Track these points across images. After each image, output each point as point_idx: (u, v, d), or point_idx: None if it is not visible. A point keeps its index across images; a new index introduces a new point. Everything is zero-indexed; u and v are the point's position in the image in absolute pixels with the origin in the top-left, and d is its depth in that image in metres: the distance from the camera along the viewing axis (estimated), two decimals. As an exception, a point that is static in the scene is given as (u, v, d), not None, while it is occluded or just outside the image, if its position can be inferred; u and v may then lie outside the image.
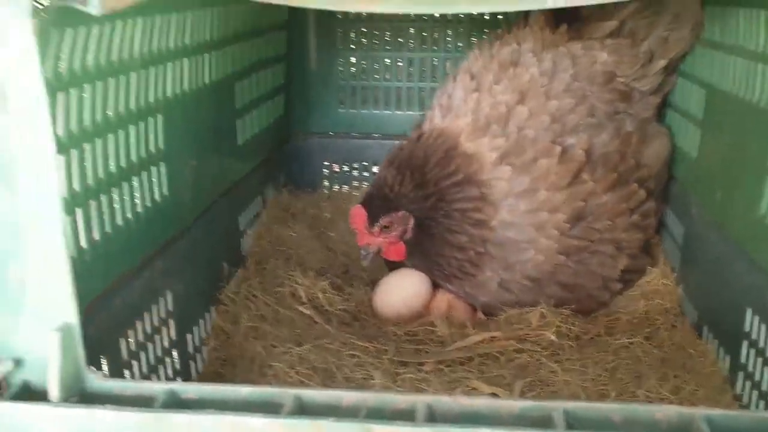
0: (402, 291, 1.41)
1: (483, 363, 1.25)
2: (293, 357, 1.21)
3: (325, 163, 1.95)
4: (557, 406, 0.65)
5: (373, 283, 1.52)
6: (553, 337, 1.29)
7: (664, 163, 1.51)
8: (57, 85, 0.82)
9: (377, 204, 1.37)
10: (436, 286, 1.44)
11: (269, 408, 0.66)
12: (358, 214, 1.38)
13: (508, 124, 1.37)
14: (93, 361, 0.72)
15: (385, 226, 1.37)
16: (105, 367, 0.93)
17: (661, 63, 1.49)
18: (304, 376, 1.17)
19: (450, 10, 1.12)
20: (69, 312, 0.68)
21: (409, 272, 1.43)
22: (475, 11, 1.33)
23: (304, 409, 0.67)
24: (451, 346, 1.30)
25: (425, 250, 1.38)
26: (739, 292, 1.13)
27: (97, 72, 0.90)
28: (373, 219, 1.37)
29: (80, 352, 0.69)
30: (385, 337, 1.34)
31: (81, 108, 0.88)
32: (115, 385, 0.68)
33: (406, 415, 0.66)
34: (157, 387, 0.67)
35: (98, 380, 0.69)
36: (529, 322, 1.33)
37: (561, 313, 1.35)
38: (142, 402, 0.66)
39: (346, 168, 1.96)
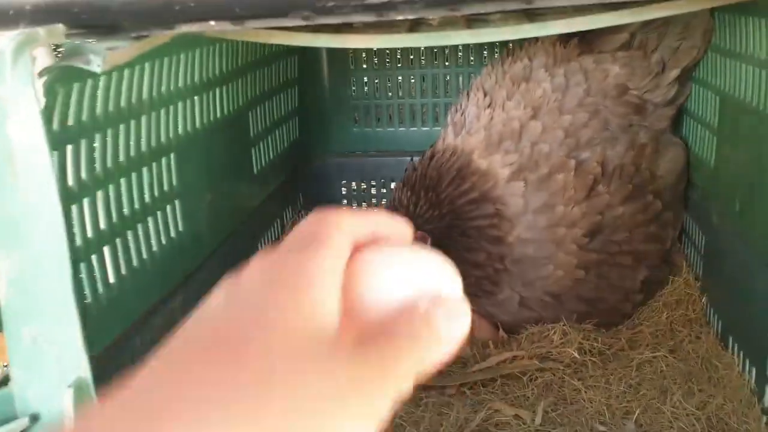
0: None
1: (505, 383, 1.25)
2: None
3: (343, 182, 1.96)
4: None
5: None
6: (575, 354, 1.28)
7: (680, 174, 1.49)
8: (66, 138, 0.84)
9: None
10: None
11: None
12: None
13: (521, 139, 1.37)
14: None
15: None
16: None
17: (674, 73, 1.47)
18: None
19: (449, 42, 1.12)
20: (82, 365, 0.70)
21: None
22: (474, 41, 1.33)
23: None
24: (472, 367, 1.29)
25: None
26: (763, 302, 1.11)
27: (106, 120, 0.92)
28: None
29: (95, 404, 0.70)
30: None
31: (91, 157, 0.90)
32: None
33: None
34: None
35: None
36: (551, 340, 1.33)
37: (583, 329, 1.34)
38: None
39: (363, 186, 1.96)
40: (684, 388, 1.17)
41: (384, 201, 1.95)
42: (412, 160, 1.50)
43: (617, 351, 1.32)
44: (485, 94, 1.46)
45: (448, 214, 1.34)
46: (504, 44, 1.66)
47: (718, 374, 1.21)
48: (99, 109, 0.91)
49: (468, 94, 1.51)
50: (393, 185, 1.89)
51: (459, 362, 1.33)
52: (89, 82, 0.87)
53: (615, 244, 1.35)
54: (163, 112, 1.08)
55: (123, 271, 0.97)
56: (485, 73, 1.53)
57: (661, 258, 1.43)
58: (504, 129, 1.38)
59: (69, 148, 0.85)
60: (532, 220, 1.33)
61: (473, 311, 1.37)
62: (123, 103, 0.96)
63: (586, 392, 1.20)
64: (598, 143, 1.38)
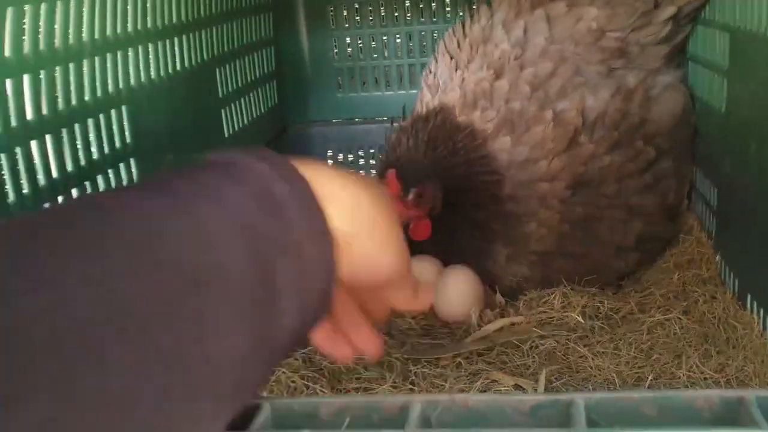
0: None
1: (503, 352, 1.14)
2: (297, 359, 1.11)
3: (328, 152, 1.84)
4: (576, 399, 0.54)
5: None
6: (579, 319, 1.17)
7: (679, 119, 1.39)
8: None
9: (409, 169, 1.24)
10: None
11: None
12: (393, 180, 1.23)
13: (493, 99, 1.31)
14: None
15: (418, 196, 1.24)
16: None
17: (670, 11, 1.37)
18: (309, 380, 1.07)
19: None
20: None
21: (423, 259, 1.31)
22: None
23: (280, 423, 0.57)
24: (468, 337, 1.19)
25: (448, 228, 1.28)
26: (784, 254, 1.00)
27: (39, 59, 0.81)
28: (406, 187, 1.22)
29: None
30: (399, 333, 1.23)
31: (20, 102, 0.79)
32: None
33: (397, 422, 0.55)
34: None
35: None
36: (551, 305, 1.22)
37: (587, 292, 1.24)
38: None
39: (351, 156, 1.85)
40: (700, 351, 1.06)
41: (373, 173, 1.84)
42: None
43: (626, 315, 1.20)
44: (451, 58, 1.41)
45: (463, 164, 1.26)
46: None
47: (736, 335, 1.10)
48: (27, 46, 0.79)
49: (436, 58, 1.46)
50: (381, 155, 1.79)
51: (453, 333, 1.23)
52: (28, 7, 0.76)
53: (603, 197, 1.27)
54: (110, 57, 0.96)
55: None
56: (447, 36, 1.47)
57: (661, 213, 1.33)
58: (476, 89, 1.32)
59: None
60: (515, 175, 1.26)
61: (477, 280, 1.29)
62: (58, 41, 0.85)
63: (593, 359, 1.08)
64: (574, 90, 1.30)
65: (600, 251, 1.29)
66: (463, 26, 1.44)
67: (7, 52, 0.76)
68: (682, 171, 1.39)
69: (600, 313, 1.20)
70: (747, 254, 1.17)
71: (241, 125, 1.47)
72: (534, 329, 1.16)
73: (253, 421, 0.55)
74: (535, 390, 1.05)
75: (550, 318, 1.20)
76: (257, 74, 1.60)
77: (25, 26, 0.79)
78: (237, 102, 1.46)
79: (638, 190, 1.30)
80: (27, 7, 0.79)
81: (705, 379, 1.02)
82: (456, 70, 1.38)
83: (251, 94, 1.55)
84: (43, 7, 0.81)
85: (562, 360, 1.11)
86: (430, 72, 1.44)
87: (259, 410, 0.56)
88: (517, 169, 1.27)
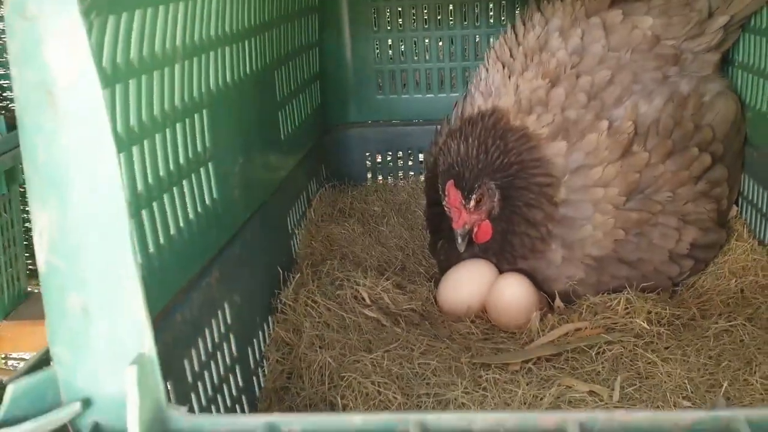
0: (474, 283, 1.30)
1: (572, 358, 1.15)
2: (366, 365, 1.11)
3: (367, 153, 1.84)
4: (737, 416, 0.54)
5: (433, 279, 1.42)
6: (644, 325, 1.18)
7: (733, 125, 1.40)
8: (103, 81, 0.72)
9: (466, 177, 1.27)
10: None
11: (389, 439, 0.56)
12: (453, 191, 1.27)
13: (548, 106, 1.32)
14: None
15: (478, 201, 1.27)
16: (171, 395, 0.83)
17: (722, 20, 1.39)
18: (381, 386, 1.07)
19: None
20: (144, 341, 0.58)
21: (478, 262, 1.32)
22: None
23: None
24: (534, 342, 1.19)
25: (502, 228, 1.30)
26: None
27: (141, 66, 0.80)
28: (466, 194, 1.27)
29: (160, 386, 0.59)
30: (459, 337, 1.24)
31: (127, 106, 0.78)
32: (205, 422, 0.58)
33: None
34: (254, 421, 0.57)
35: (184, 418, 0.58)
36: (615, 310, 1.23)
37: (648, 297, 1.25)
38: (241, 441, 0.55)
39: (389, 157, 1.85)
40: (771, 358, 1.07)
41: (411, 174, 1.84)
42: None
43: (688, 321, 1.22)
44: (504, 66, 1.41)
45: (515, 164, 1.28)
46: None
47: (804, 342, 1.11)
48: (134, 52, 0.78)
49: (486, 66, 1.46)
50: (421, 156, 1.79)
51: (514, 338, 1.24)
52: (123, 16, 0.75)
53: (657, 203, 1.28)
54: (195, 62, 0.96)
55: (161, 239, 0.86)
56: (499, 45, 1.46)
57: (714, 219, 1.34)
58: (532, 96, 1.33)
59: (106, 93, 0.73)
60: (571, 180, 1.28)
61: (521, 271, 1.30)
62: (157, 47, 0.84)
63: (663, 365, 1.09)
64: (629, 98, 1.32)
65: (654, 256, 1.31)
66: (516, 34, 1.44)
67: (119, 59, 0.75)
68: (734, 178, 1.41)
69: (663, 319, 1.21)
70: (809, 262, 1.18)
71: (293, 127, 1.47)
72: (602, 335, 1.16)
73: None
74: (611, 397, 1.06)
75: (614, 323, 1.21)
76: (305, 76, 1.59)
77: (133, 30, 0.78)
78: (290, 103, 1.46)
79: (693, 197, 1.31)
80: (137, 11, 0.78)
81: (779, 386, 1.03)
82: (509, 77, 1.38)
83: (300, 96, 1.55)
84: (149, 11, 0.80)
85: (631, 366, 1.12)
86: (481, 78, 1.44)
87: (408, 426, 0.56)
88: (572, 174, 1.28)
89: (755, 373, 1.05)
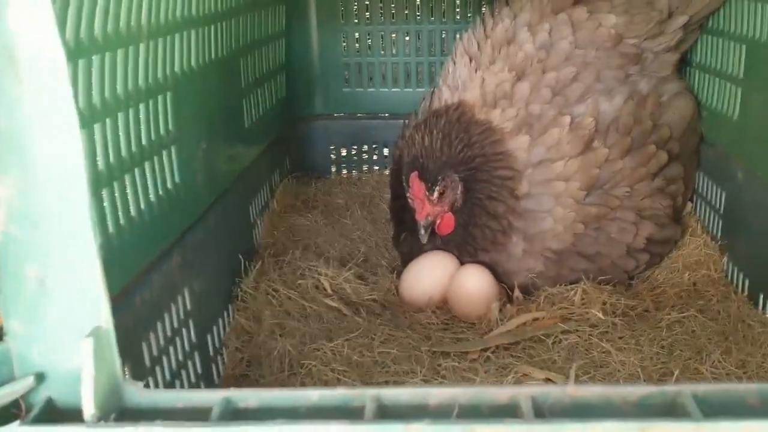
0: (435, 274, 1.31)
1: (529, 347, 1.17)
2: (326, 353, 1.11)
3: (332, 146, 1.84)
4: (683, 391, 0.56)
5: (395, 271, 1.43)
6: (599, 315, 1.21)
7: (689, 124, 1.44)
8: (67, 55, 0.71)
9: (430, 168, 1.28)
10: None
11: (346, 413, 0.56)
12: (417, 183, 1.27)
13: (513, 100, 1.34)
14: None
15: (441, 193, 1.28)
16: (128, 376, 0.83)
17: (681, 20, 1.42)
18: (341, 374, 1.07)
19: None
20: (101, 314, 0.58)
21: (440, 254, 1.33)
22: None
23: (386, 412, 0.57)
24: (492, 332, 1.21)
25: (464, 221, 1.31)
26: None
27: (105, 42, 0.80)
28: (430, 186, 1.27)
29: (117, 361, 0.58)
30: (420, 327, 1.25)
31: (89, 83, 0.78)
32: (161, 397, 0.58)
33: (507, 411, 0.56)
34: (210, 396, 0.57)
35: (140, 393, 0.58)
36: (571, 301, 1.25)
37: (603, 289, 1.27)
38: (197, 415, 0.55)
39: (354, 151, 1.85)
40: (721, 348, 1.11)
41: (376, 168, 1.84)
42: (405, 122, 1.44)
43: (642, 312, 1.25)
44: (471, 59, 1.42)
45: (479, 157, 1.29)
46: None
47: (753, 333, 1.15)
48: (97, 27, 0.78)
49: (454, 59, 1.47)
50: (386, 150, 1.80)
51: (473, 328, 1.26)
52: (88, -8, 0.74)
53: (615, 198, 1.31)
54: (160, 42, 0.95)
55: (121, 220, 0.85)
56: (467, 38, 1.47)
57: (669, 215, 1.38)
58: (497, 90, 1.35)
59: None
60: (533, 174, 1.30)
61: (481, 263, 1.32)
62: (122, 24, 0.84)
63: (617, 354, 1.12)
64: (591, 96, 1.34)
65: (612, 250, 1.33)
66: (484, 27, 1.45)
67: (82, 34, 0.75)
68: (689, 175, 1.44)
69: (617, 309, 1.23)
70: (760, 257, 1.22)
71: (257, 116, 1.47)
72: (559, 324, 1.19)
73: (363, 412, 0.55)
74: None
75: (571, 314, 1.23)
76: (270, 66, 1.59)
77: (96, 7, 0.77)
78: (255, 92, 1.45)
79: (649, 193, 1.34)
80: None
81: (728, 374, 1.06)
82: (476, 71, 1.39)
83: (265, 86, 1.54)
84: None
85: (586, 355, 1.14)
86: (448, 72, 1.45)
87: (364, 401, 0.56)
88: (534, 168, 1.30)
89: (705, 362, 1.09)
